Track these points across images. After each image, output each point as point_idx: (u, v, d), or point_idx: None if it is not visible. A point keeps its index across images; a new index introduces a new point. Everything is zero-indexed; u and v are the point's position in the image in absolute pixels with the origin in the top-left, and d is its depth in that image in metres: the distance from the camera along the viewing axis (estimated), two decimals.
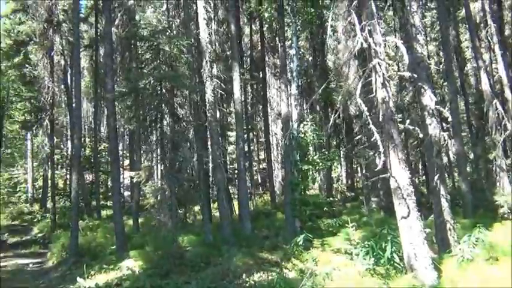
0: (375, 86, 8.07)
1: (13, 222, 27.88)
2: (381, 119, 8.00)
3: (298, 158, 13.77)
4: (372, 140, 7.69)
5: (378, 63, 7.91)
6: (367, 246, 8.36)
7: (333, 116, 10.56)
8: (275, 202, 22.16)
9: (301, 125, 14.35)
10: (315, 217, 14.27)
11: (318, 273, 8.30)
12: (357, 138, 15.86)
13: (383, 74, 7.92)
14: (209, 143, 13.68)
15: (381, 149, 7.66)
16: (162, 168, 12.15)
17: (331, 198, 19.24)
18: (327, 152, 18.70)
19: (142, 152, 16.09)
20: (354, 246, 8.87)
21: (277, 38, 16.79)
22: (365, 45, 7.90)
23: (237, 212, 17.27)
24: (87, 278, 10.61)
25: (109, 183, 28.64)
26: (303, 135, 14.12)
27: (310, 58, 26.41)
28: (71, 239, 12.59)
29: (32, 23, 21.95)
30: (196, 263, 10.69)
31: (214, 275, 9.10)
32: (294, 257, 10.67)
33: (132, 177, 12.59)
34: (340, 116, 17.17)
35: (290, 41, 16.25)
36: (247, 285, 8.21)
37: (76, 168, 13.28)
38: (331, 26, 17.49)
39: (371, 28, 8.01)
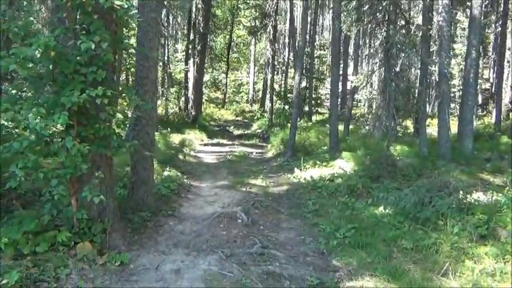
0: None
1: (236, 118, 31.93)
2: None
3: None
4: None
5: None
6: None
7: None
8: (499, 125, 19.63)
9: None
10: None
11: None
12: None
13: None
14: (436, 52, 12.51)
15: None
16: (383, 74, 11.76)
17: None
18: None
19: (364, 56, 15.84)
20: None
21: None
22: None
23: (452, 132, 16.00)
24: (302, 170, 11.61)
25: (319, 90, 29.67)
26: None
27: None
28: (289, 134, 13.72)
29: None
30: (408, 172, 10.46)
31: (430, 186, 8.76)
32: None
33: (352, 82, 12.63)
34: None
35: None
36: (465, 201, 7.65)
37: (299, 70, 14.02)
38: None
39: None
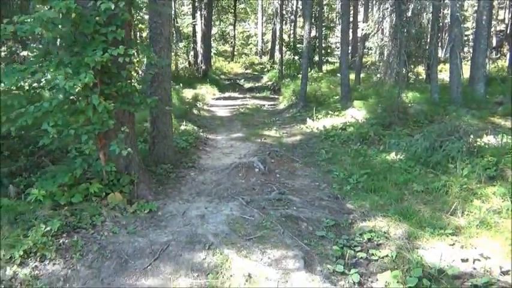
0: None
1: (246, 71, 31.83)
2: None
3: None
4: None
5: None
6: None
7: None
8: None
9: None
10: None
11: None
12: None
13: None
14: None
15: None
16: (394, 20, 11.66)
17: None
18: None
19: (375, 2, 15.55)
20: None
21: None
22: None
23: (465, 76, 15.89)
24: (314, 120, 11.83)
25: (329, 39, 29.22)
26: None
27: None
28: (300, 85, 13.84)
29: None
30: (420, 119, 10.65)
31: (441, 131, 8.95)
32: None
33: (362, 29, 12.52)
34: None
35: None
36: (475, 145, 7.85)
37: (308, 19, 13.91)
38: None
39: None
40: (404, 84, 12.13)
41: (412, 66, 15.69)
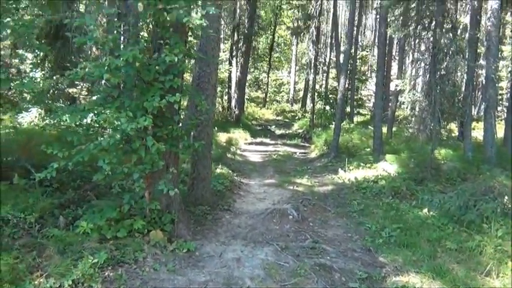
0: None
1: (277, 118, 32.42)
2: None
3: None
4: None
5: None
6: None
7: None
8: None
9: None
10: None
11: None
12: None
13: None
14: (483, 55, 12.54)
15: None
16: (428, 78, 11.95)
17: None
18: None
19: (410, 61, 15.95)
20: None
21: None
22: None
23: (498, 136, 15.84)
24: (346, 171, 11.98)
25: (361, 91, 29.69)
26: None
27: None
28: (333, 136, 14.10)
29: None
30: (452, 176, 10.64)
31: (474, 190, 8.95)
32: None
33: (396, 85, 12.85)
34: None
35: None
36: (510, 206, 7.83)
37: (343, 73, 14.39)
38: None
39: None
40: (437, 140, 12.21)
41: (445, 123, 15.79)
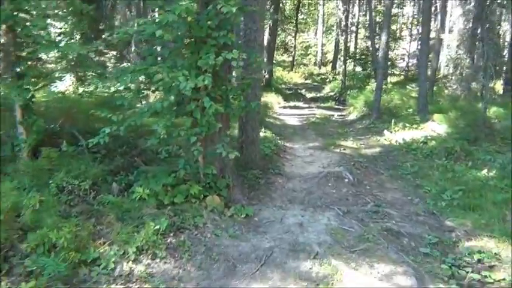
0: None
1: (306, 81, 31.66)
2: None
3: None
4: None
5: None
6: None
7: None
8: None
9: None
10: None
11: None
12: None
13: None
14: None
15: None
16: (470, 31, 11.16)
17: None
18: None
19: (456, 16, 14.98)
20: None
21: None
22: None
23: None
24: (392, 132, 11.48)
25: (394, 51, 28.48)
26: None
27: None
28: (375, 96, 13.52)
29: None
30: (507, 135, 10.07)
31: None
32: None
33: (441, 39, 12.08)
34: None
35: None
36: None
37: (386, 29, 13.65)
38: None
39: None
40: (489, 98, 11.55)
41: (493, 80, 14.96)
